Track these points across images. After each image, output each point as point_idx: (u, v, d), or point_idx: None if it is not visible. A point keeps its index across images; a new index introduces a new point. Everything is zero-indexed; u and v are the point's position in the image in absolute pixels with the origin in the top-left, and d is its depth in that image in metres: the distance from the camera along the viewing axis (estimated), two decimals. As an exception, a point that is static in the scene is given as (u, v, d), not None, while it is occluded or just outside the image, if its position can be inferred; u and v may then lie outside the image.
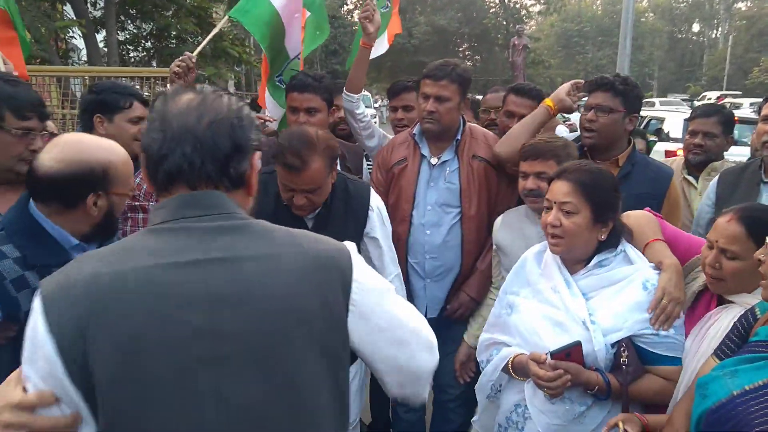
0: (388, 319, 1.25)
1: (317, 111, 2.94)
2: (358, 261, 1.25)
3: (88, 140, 1.79)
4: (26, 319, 1.24)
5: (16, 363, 1.12)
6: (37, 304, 1.07)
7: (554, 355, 1.84)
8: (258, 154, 1.24)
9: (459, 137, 2.84)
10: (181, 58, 3.07)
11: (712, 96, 29.62)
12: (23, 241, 1.67)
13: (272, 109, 3.67)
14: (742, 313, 1.64)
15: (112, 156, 1.75)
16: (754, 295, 1.75)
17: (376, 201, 2.49)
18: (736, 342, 1.58)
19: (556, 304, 1.96)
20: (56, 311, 1.04)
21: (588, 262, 2.00)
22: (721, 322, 1.78)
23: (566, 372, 1.81)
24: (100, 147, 1.75)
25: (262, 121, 2.98)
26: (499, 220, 2.63)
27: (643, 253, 2.02)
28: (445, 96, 2.70)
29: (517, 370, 1.98)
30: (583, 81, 2.81)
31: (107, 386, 1.03)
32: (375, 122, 3.57)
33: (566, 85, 2.81)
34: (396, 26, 4.72)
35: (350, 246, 1.27)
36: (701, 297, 1.94)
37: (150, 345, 1.03)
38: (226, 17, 3.76)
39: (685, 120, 9.65)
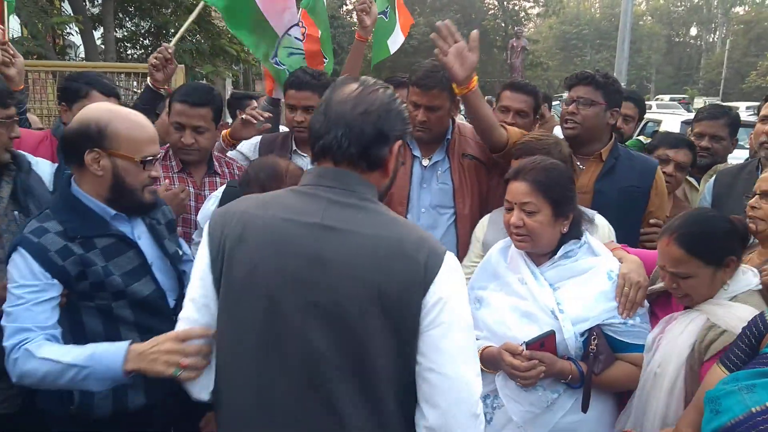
0: (447, 348, 1.31)
1: (314, 108, 2.92)
2: (450, 269, 1.34)
3: (99, 104, 1.91)
4: (77, 285, 1.74)
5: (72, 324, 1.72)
6: (206, 227, 1.45)
7: (529, 345, 1.87)
8: (399, 143, 1.42)
9: (449, 137, 2.82)
10: (158, 50, 3.04)
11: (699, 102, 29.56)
12: (64, 216, 1.81)
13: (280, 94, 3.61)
14: (751, 319, 1.62)
15: (113, 117, 1.82)
16: (719, 302, 1.80)
17: None
18: (746, 351, 1.54)
19: (524, 295, 1.99)
20: (216, 232, 1.41)
21: (553, 254, 2.05)
22: (683, 328, 1.82)
23: (541, 362, 1.84)
24: (108, 110, 1.86)
25: (256, 118, 2.93)
26: (485, 218, 2.62)
27: None
28: (436, 105, 2.65)
29: (486, 362, 1.98)
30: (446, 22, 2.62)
31: (223, 299, 1.39)
32: None
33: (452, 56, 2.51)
34: (407, 18, 4.74)
35: (450, 255, 1.36)
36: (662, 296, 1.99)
37: (260, 276, 1.33)
38: (202, 3, 3.70)
39: (682, 122, 9.66)
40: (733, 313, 1.74)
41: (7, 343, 1.69)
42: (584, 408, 1.89)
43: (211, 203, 2.48)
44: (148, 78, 3.05)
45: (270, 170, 2.20)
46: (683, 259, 1.77)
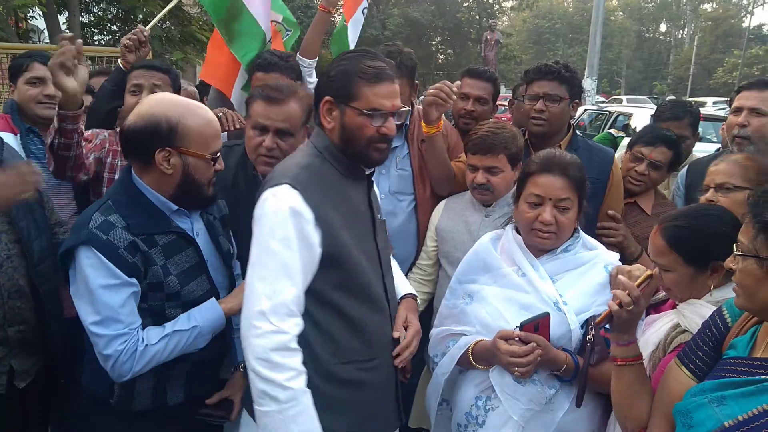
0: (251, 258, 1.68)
1: None
2: (274, 197, 1.68)
3: (167, 98, 1.85)
4: (144, 280, 1.76)
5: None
6: (293, 193, 1.65)
7: (524, 326, 1.82)
8: None
9: (407, 122, 2.76)
10: (133, 31, 2.97)
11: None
12: (127, 211, 1.76)
13: (239, 106, 3.28)
14: (710, 316, 1.57)
15: (185, 114, 1.77)
16: (693, 302, 1.74)
17: None
18: (709, 353, 1.49)
19: (523, 287, 1.94)
20: (311, 197, 1.67)
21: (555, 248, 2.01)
22: (654, 327, 1.80)
23: (537, 346, 1.79)
24: (174, 104, 1.79)
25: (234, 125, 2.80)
26: (441, 205, 2.58)
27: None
28: None
29: (478, 357, 1.92)
30: (434, 89, 2.52)
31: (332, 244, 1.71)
32: None
33: (423, 104, 2.56)
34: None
35: (286, 189, 1.68)
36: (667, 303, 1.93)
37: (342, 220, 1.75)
38: None
39: (652, 116, 9.79)
40: (697, 312, 1.69)
41: (107, 352, 1.69)
42: (579, 402, 1.82)
43: None
44: (120, 59, 2.97)
45: (284, 84, 2.27)
46: (663, 250, 1.74)
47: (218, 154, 1.87)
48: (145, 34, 2.96)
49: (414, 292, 2.11)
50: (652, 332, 1.79)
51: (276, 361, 1.57)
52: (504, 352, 1.80)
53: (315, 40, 3.19)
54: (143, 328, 1.78)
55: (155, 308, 1.81)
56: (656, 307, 1.95)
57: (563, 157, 2.00)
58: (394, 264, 2.13)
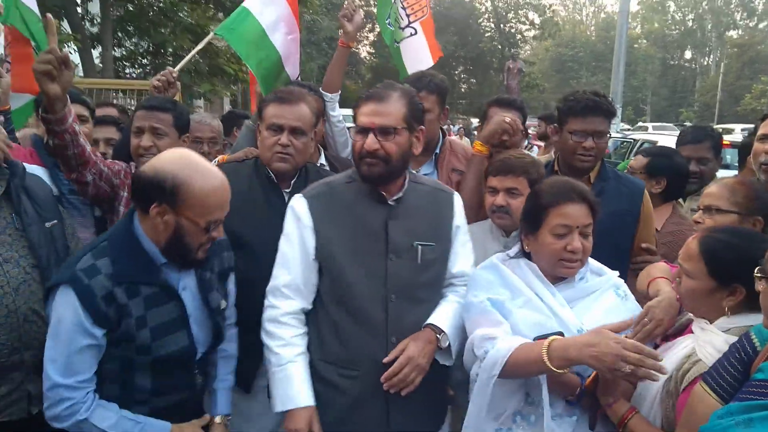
0: None
1: None
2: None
3: (186, 156, 1.84)
4: (116, 330, 1.78)
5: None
6: (301, 200, 2.04)
7: (537, 339, 1.80)
8: None
9: (438, 151, 2.80)
10: (162, 72, 3.05)
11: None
12: (119, 255, 1.81)
13: None
14: (737, 339, 1.56)
15: (195, 177, 1.77)
16: (709, 329, 1.70)
17: None
18: (737, 377, 1.48)
19: (545, 312, 1.92)
20: (316, 207, 1.99)
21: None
22: (669, 352, 1.77)
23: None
24: (188, 165, 1.79)
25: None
26: None
27: (647, 289, 2.03)
28: (425, 108, 2.55)
29: (556, 354, 1.70)
30: (510, 120, 2.69)
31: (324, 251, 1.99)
32: None
33: (495, 124, 2.71)
34: (435, 48, 4.71)
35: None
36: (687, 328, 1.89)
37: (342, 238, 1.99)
38: (212, 34, 3.73)
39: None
40: (709, 342, 1.67)
41: (50, 394, 1.76)
42: (592, 425, 1.83)
43: None
44: None
45: (295, 88, 2.37)
46: (693, 256, 1.73)
47: (218, 223, 1.86)
48: (174, 75, 3.05)
49: (439, 324, 2.05)
50: (668, 358, 1.76)
51: (269, 329, 2.03)
52: (618, 340, 1.63)
53: (336, 74, 3.24)
54: (104, 383, 1.83)
55: (124, 358, 1.83)
56: (675, 335, 1.90)
57: (578, 184, 2.01)
58: (453, 298, 2.14)
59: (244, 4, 3.61)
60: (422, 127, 2.11)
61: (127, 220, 1.89)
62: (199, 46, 3.73)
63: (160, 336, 1.85)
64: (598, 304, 1.95)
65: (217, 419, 2.09)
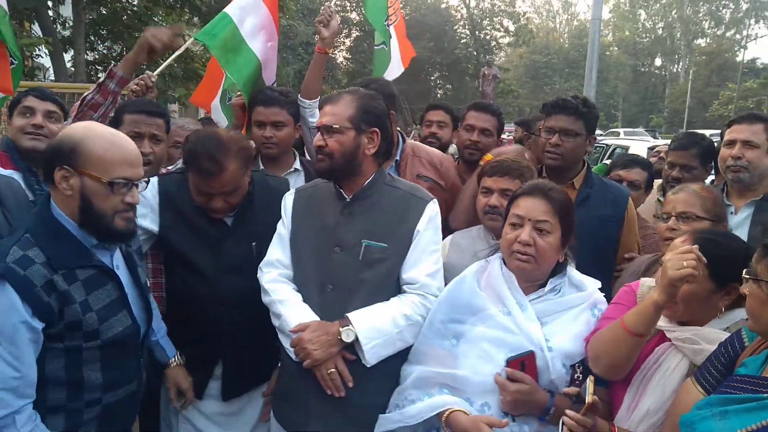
0: None
1: (284, 125, 2.92)
2: None
3: (79, 123, 1.90)
4: (59, 321, 1.69)
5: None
6: (290, 193, 2.30)
7: (510, 362, 1.82)
8: None
9: (398, 157, 2.77)
10: (140, 77, 3.03)
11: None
12: (47, 243, 1.70)
13: (217, 118, 3.95)
14: (729, 336, 1.59)
15: (88, 134, 1.75)
16: (695, 335, 1.70)
17: None
18: (721, 371, 1.52)
19: (510, 328, 1.91)
20: (297, 201, 2.25)
21: (542, 285, 1.99)
22: (668, 364, 1.74)
23: (522, 382, 1.80)
24: (81, 126, 1.80)
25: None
26: (447, 241, 2.54)
27: None
28: None
29: (454, 426, 1.85)
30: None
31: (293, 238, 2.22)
32: None
33: None
34: (408, 50, 4.82)
35: None
36: (654, 335, 1.87)
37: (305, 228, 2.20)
38: (192, 39, 3.71)
39: (648, 148, 9.90)
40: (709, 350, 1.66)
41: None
42: None
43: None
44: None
45: (214, 139, 2.19)
46: None
47: (124, 183, 1.75)
48: (153, 79, 3.04)
49: (351, 318, 2.05)
50: (662, 376, 1.73)
51: (264, 287, 2.22)
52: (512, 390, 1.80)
53: (315, 81, 3.25)
54: (47, 390, 1.73)
55: (72, 348, 1.74)
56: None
57: (548, 183, 2.04)
58: (393, 302, 2.11)
59: (225, 10, 3.60)
60: (375, 129, 2.14)
61: (43, 207, 1.79)
62: (178, 51, 3.70)
63: (106, 318, 1.80)
64: (571, 326, 1.93)
65: (172, 361, 2.29)
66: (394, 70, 4.71)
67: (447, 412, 1.87)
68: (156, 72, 3.23)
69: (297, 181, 2.99)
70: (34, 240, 1.70)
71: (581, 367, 1.87)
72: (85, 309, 1.74)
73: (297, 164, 3.06)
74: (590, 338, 1.86)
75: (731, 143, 2.75)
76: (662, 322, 1.79)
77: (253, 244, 2.35)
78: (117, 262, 1.91)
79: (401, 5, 4.92)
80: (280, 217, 2.30)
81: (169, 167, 2.87)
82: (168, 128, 2.72)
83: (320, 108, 2.18)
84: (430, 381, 1.98)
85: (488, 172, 2.44)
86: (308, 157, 3.29)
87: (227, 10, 3.58)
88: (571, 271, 2.06)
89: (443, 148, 3.54)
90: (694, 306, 1.74)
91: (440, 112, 3.79)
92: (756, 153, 2.68)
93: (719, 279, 1.71)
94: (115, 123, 2.70)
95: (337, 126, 2.10)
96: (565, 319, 1.93)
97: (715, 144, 3.29)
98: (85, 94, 2.71)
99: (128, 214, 1.82)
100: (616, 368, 1.79)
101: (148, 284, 2.11)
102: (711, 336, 1.69)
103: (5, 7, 3.31)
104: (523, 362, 1.83)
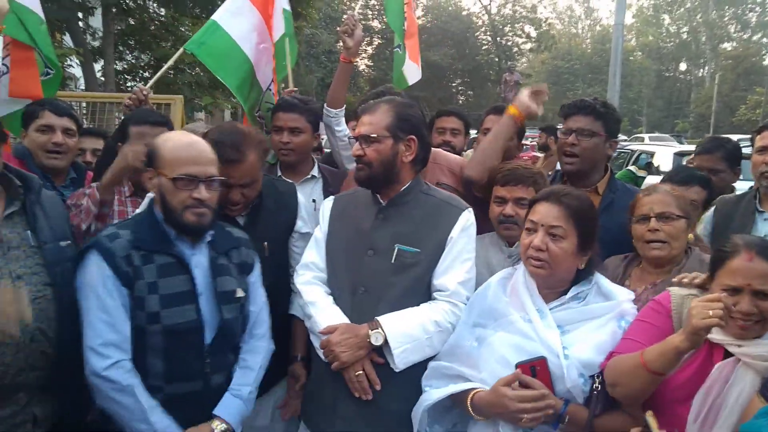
0: None
1: (301, 131, 2.95)
2: None
3: (170, 132, 2.26)
4: (133, 292, 1.93)
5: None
6: (330, 198, 2.40)
7: (519, 365, 1.82)
8: None
9: None
10: (133, 91, 3.11)
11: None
12: (138, 228, 2.01)
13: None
14: None
15: (167, 139, 2.02)
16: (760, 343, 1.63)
17: (302, 198, 2.64)
18: None
19: (529, 334, 1.90)
20: (335, 206, 2.31)
21: (564, 292, 1.97)
22: (740, 385, 1.61)
23: (531, 387, 1.80)
24: (165, 135, 2.10)
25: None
26: (484, 238, 2.52)
27: None
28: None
29: (478, 408, 1.89)
30: (545, 86, 2.74)
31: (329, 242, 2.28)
32: None
33: (527, 90, 2.72)
34: (414, 50, 4.86)
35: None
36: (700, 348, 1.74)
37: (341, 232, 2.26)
38: (182, 49, 3.74)
39: (675, 154, 9.77)
40: None
41: (93, 362, 1.87)
42: None
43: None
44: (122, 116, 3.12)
45: (235, 131, 2.30)
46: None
47: (189, 179, 1.92)
48: (145, 93, 3.10)
49: (381, 322, 2.06)
50: (736, 400, 1.60)
51: (297, 288, 2.29)
52: (512, 397, 1.80)
53: (340, 90, 3.27)
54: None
55: (137, 328, 1.93)
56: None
57: (565, 188, 2.05)
58: (424, 308, 2.13)
59: (213, 17, 3.65)
60: (412, 136, 2.18)
61: (150, 203, 2.07)
62: (170, 62, 3.80)
63: (169, 305, 1.93)
64: (593, 336, 1.89)
65: (214, 422, 2.01)
66: (414, 73, 4.72)
67: (471, 394, 1.90)
68: (149, 85, 3.29)
69: (315, 188, 3.04)
70: (132, 224, 2.03)
71: (600, 377, 1.84)
72: (151, 290, 1.91)
73: (315, 171, 3.10)
74: (608, 363, 1.82)
75: (764, 149, 2.72)
76: (719, 336, 1.70)
77: (265, 243, 2.40)
78: (198, 261, 2.03)
79: (423, 13, 4.99)
80: (288, 218, 2.43)
81: None
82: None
83: (354, 119, 2.24)
84: (450, 373, 2.01)
85: (501, 181, 2.43)
86: (330, 165, 3.33)
87: (215, 17, 3.64)
88: (601, 279, 2.03)
89: (457, 155, 3.51)
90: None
91: (453, 119, 3.68)
92: (788, 158, 2.65)
93: None
94: (122, 136, 2.74)
95: (375, 135, 2.14)
96: (588, 329, 1.90)
97: (742, 148, 3.23)
98: (77, 220, 2.54)
99: (199, 210, 1.96)
100: (632, 399, 1.77)
101: (239, 296, 2.10)
102: None
103: (41, 15, 3.38)
104: (534, 367, 1.82)
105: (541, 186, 2.38)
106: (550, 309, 1.94)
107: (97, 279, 1.90)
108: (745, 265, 1.64)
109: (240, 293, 2.10)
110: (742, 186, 3.34)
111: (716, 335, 1.69)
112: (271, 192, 2.49)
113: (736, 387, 1.61)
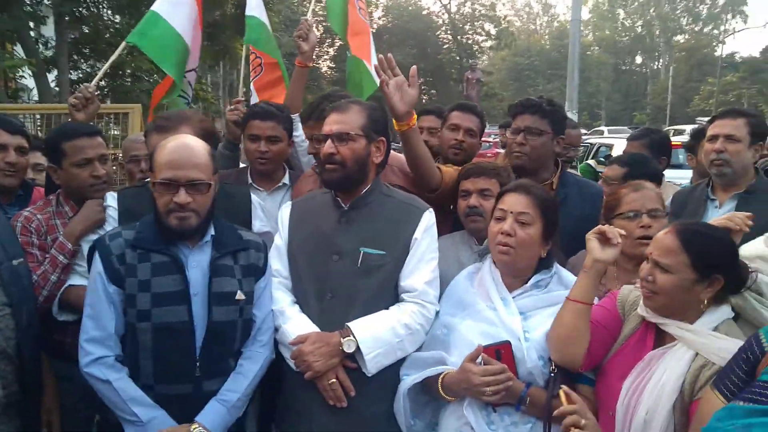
0: None
1: (279, 140, 2.92)
2: None
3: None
4: (125, 290, 1.96)
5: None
6: (288, 208, 2.30)
7: (484, 348, 1.89)
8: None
9: None
10: (78, 90, 3.01)
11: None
12: (141, 227, 2.03)
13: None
14: (746, 340, 1.54)
15: (162, 145, 2.02)
16: (704, 333, 1.70)
17: (256, 198, 2.60)
18: (743, 378, 1.46)
19: (494, 321, 2.00)
20: (294, 212, 2.27)
21: (526, 281, 2.07)
22: (667, 367, 1.70)
23: (505, 369, 1.86)
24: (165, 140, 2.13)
25: None
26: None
27: None
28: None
29: (448, 388, 1.97)
30: (413, 69, 2.55)
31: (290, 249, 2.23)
32: None
33: (395, 95, 2.41)
34: (367, 53, 4.85)
35: None
36: (636, 329, 1.88)
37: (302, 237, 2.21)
38: (124, 43, 3.70)
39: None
40: (725, 348, 1.64)
41: (87, 350, 1.94)
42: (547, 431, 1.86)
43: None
44: (70, 118, 2.99)
45: (179, 115, 2.40)
46: (674, 250, 1.72)
47: (165, 183, 1.92)
48: (90, 90, 3.02)
49: (352, 328, 2.06)
50: (663, 372, 1.70)
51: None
52: (476, 372, 1.87)
53: (297, 94, 3.26)
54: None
55: (128, 326, 1.97)
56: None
57: (531, 182, 2.15)
58: (393, 310, 2.13)
59: (152, 8, 3.63)
60: (383, 138, 2.19)
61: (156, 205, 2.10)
62: (111, 60, 3.74)
63: (160, 304, 1.92)
64: (551, 320, 1.95)
65: (193, 425, 1.95)
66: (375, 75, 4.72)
67: (442, 376, 1.98)
68: (93, 82, 3.21)
69: (286, 196, 3.00)
70: (139, 224, 2.04)
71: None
72: (143, 288, 1.94)
73: (286, 179, 3.08)
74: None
75: (714, 138, 2.82)
76: (647, 314, 1.82)
77: None
78: (200, 260, 2.02)
79: (383, 13, 4.98)
80: (239, 222, 2.29)
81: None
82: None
83: (312, 119, 2.20)
84: (423, 362, 2.08)
85: (464, 175, 2.50)
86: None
87: (154, 7, 3.62)
88: (561, 270, 2.13)
89: (435, 155, 3.48)
90: (674, 297, 1.75)
91: (432, 118, 3.64)
92: (738, 147, 2.75)
93: (702, 269, 1.71)
94: (56, 155, 2.46)
95: (352, 133, 2.12)
96: (548, 314, 1.98)
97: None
98: (43, 268, 2.34)
99: (180, 214, 1.93)
100: (569, 349, 1.86)
101: (239, 298, 2.06)
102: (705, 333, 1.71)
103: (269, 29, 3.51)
104: (499, 350, 1.91)
105: (503, 177, 2.45)
106: (513, 297, 2.05)
107: (92, 276, 1.99)
108: (658, 237, 1.82)
109: (240, 296, 2.06)
110: (676, 175, 3.47)
111: (645, 313, 1.83)
112: (221, 195, 2.33)
113: (660, 370, 1.71)
